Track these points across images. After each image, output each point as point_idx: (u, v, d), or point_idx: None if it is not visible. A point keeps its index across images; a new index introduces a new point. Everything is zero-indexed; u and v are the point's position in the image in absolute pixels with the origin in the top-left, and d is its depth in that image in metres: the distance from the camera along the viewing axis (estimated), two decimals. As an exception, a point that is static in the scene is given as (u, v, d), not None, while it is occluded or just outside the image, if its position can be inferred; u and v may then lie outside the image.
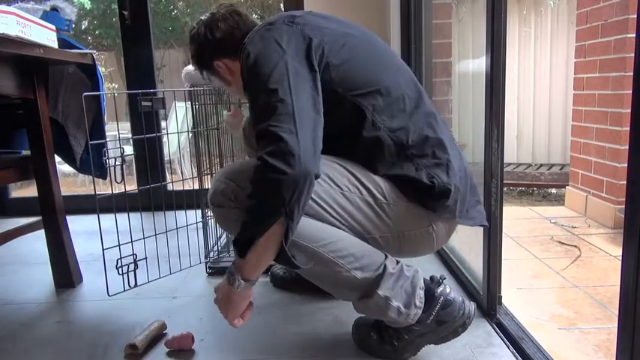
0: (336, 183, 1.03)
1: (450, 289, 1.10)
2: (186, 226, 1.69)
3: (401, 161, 1.04)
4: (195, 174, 1.75)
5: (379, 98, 1.04)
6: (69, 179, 4.77)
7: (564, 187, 3.01)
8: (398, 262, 1.09)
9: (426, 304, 1.07)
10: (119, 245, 1.46)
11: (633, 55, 0.74)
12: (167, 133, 3.09)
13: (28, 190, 3.18)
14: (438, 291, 1.08)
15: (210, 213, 1.76)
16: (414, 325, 1.07)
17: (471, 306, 1.10)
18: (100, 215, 1.40)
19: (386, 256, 1.08)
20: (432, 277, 1.12)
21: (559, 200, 3.80)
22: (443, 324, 1.08)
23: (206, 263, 1.72)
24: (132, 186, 1.90)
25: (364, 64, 1.08)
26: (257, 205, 0.92)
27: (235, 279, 1.00)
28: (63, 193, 1.66)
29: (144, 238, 1.53)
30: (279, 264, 1.08)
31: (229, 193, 1.03)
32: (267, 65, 0.97)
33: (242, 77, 1.09)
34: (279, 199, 0.88)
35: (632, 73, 0.75)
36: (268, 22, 1.09)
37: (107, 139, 1.58)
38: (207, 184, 1.74)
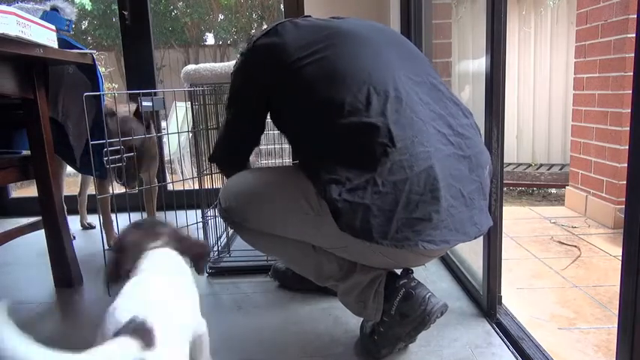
0: (281, 200, 1.12)
1: (415, 282, 1.08)
2: (187, 226, 1.69)
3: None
4: (196, 174, 1.75)
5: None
6: (69, 179, 4.76)
7: (564, 187, 3.01)
8: (349, 276, 1.12)
9: (387, 295, 1.08)
10: (119, 245, 1.46)
11: (633, 55, 0.74)
12: (167, 133, 3.09)
13: (28, 190, 3.18)
14: (400, 282, 1.08)
15: (210, 213, 1.76)
16: (384, 317, 1.09)
17: (436, 304, 1.05)
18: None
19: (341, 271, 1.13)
20: (403, 270, 1.12)
21: (559, 200, 3.79)
22: (405, 317, 1.06)
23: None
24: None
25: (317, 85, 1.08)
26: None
27: None
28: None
29: (144, 238, 1.53)
30: None
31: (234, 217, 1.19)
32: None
33: None
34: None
35: (632, 73, 0.75)
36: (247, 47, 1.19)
37: (107, 139, 1.58)
38: (207, 184, 1.74)
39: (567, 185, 2.91)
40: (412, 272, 1.11)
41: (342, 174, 0.96)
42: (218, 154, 1.33)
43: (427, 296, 1.06)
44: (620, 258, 0.79)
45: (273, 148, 1.99)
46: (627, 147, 0.76)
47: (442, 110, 1.07)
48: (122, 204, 1.43)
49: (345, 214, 0.93)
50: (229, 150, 1.29)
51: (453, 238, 0.98)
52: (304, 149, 1.09)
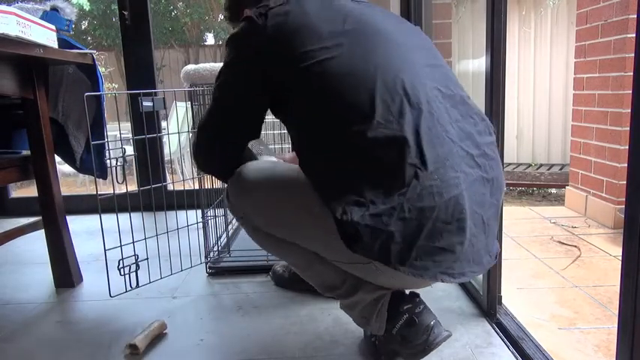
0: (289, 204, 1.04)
1: (420, 308, 1.04)
2: (187, 226, 1.69)
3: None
4: (196, 174, 1.75)
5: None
6: (69, 179, 4.77)
7: (564, 187, 3.02)
8: (355, 292, 1.07)
9: (390, 317, 1.04)
10: (121, 246, 1.46)
11: (633, 55, 0.74)
12: (167, 133, 3.09)
13: (28, 190, 3.18)
14: (404, 307, 1.03)
15: (210, 213, 1.76)
16: (386, 333, 1.06)
17: (439, 334, 1.01)
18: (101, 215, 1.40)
19: (343, 282, 1.08)
20: (410, 293, 1.08)
21: (559, 200, 3.80)
22: (407, 342, 1.02)
23: (206, 263, 1.72)
24: (131, 186, 1.90)
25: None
26: None
27: None
28: (63, 193, 1.66)
29: (145, 239, 1.53)
30: None
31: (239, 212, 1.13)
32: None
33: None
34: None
35: (632, 73, 0.75)
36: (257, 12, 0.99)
37: (108, 139, 1.58)
38: (207, 184, 1.74)
39: (567, 185, 2.92)
40: (418, 296, 1.07)
41: (366, 195, 0.87)
42: (201, 150, 1.10)
43: (431, 324, 1.02)
44: (620, 258, 0.79)
45: (272, 149, 1.99)
46: (627, 147, 0.76)
47: (470, 128, 0.99)
48: (123, 204, 1.43)
49: (364, 239, 0.86)
50: (213, 146, 1.09)
51: (469, 269, 0.95)
52: (316, 158, 0.96)
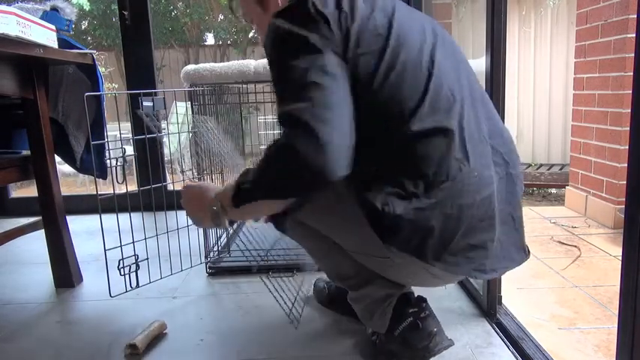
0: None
1: (426, 313, 1.04)
2: (187, 226, 1.69)
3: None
4: (196, 174, 1.75)
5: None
6: (69, 179, 4.77)
7: (564, 187, 3.01)
8: (365, 285, 1.08)
9: (395, 316, 1.05)
10: (121, 246, 1.46)
11: (633, 55, 0.74)
12: (167, 133, 3.09)
13: (28, 190, 3.18)
14: (410, 310, 1.04)
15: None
16: (387, 333, 1.06)
17: (440, 342, 1.02)
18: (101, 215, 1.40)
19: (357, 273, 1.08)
20: (418, 297, 1.09)
21: (559, 200, 3.80)
22: (407, 345, 1.03)
23: (206, 263, 1.72)
24: (131, 186, 1.90)
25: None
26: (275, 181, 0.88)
27: (217, 205, 0.98)
28: (63, 193, 1.66)
29: (145, 239, 1.53)
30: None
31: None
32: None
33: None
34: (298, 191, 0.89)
35: (632, 73, 0.75)
36: None
37: (108, 139, 1.58)
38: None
39: (567, 185, 2.91)
40: (426, 301, 1.08)
41: (408, 187, 0.85)
42: (303, 140, 0.80)
43: (434, 331, 1.02)
44: (620, 258, 0.79)
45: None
46: (627, 147, 0.76)
47: (496, 125, 1.00)
48: (123, 204, 1.43)
49: (403, 233, 0.85)
50: (313, 128, 0.79)
51: (499, 265, 0.96)
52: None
